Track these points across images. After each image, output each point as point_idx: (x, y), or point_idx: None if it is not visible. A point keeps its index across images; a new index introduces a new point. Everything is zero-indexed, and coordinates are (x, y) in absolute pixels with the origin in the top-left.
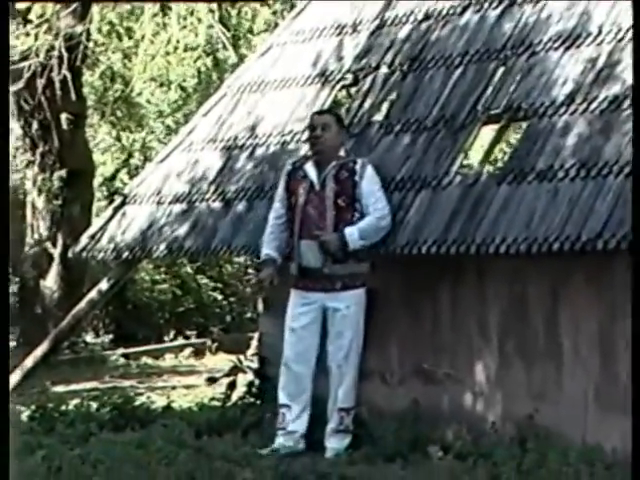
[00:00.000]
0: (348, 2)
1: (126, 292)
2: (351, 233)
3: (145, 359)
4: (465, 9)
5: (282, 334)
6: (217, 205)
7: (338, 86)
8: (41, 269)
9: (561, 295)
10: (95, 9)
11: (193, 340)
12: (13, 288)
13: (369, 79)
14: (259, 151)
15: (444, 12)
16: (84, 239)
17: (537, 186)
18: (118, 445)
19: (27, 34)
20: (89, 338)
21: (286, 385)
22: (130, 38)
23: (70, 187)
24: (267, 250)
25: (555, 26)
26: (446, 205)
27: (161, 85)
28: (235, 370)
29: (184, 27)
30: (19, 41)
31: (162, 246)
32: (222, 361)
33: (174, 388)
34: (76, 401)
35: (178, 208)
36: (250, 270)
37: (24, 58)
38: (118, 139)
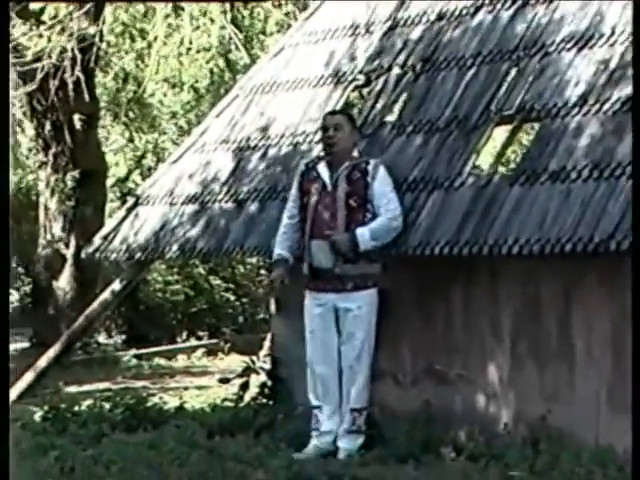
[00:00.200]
0: (361, 3)
1: (139, 293)
2: (362, 233)
3: (157, 360)
4: (478, 10)
5: (294, 335)
6: (229, 206)
7: (350, 87)
8: (54, 270)
9: (574, 296)
10: (108, 10)
11: (205, 341)
12: (26, 289)
13: (381, 80)
14: (271, 152)
15: (457, 13)
16: (97, 240)
17: (550, 187)
18: (130, 446)
19: (40, 35)
20: (102, 339)
21: (314, 387)
22: (143, 39)
23: (83, 188)
24: (279, 250)
25: (568, 27)
26: (458, 206)
27: (174, 86)
28: (248, 371)
29: (197, 28)
30: (32, 42)
31: (175, 247)
32: (235, 362)
33: (186, 389)
34: (89, 402)
35: (191, 209)
36: (263, 271)
37: (37, 59)
38: (131, 140)
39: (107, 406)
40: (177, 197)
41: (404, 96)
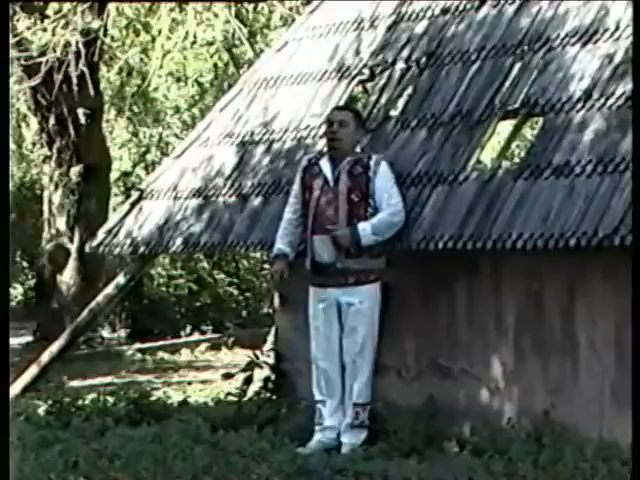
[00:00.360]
0: None
1: (142, 287)
2: (364, 228)
3: (161, 354)
4: (482, 4)
5: (298, 330)
6: (233, 200)
7: (355, 81)
8: (58, 264)
9: (577, 291)
10: (112, 4)
11: (209, 335)
12: (30, 283)
13: (385, 74)
14: (275, 146)
15: (461, 7)
16: (101, 234)
17: (554, 182)
18: (134, 440)
19: (44, 29)
20: (106, 333)
21: (318, 382)
22: (147, 33)
23: (87, 182)
24: (279, 245)
25: (572, 21)
26: (462, 201)
27: (178, 80)
28: (251, 365)
29: (201, 22)
30: (36, 36)
31: (178, 241)
32: (238, 356)
33: (190, 383)
34: (92, 396)
35: (194, 203)
36: (266, 265)
37: (41, 53)
38: (135, 134)
39: (111, 400)
40: (181, 191)
41: (408, 90)
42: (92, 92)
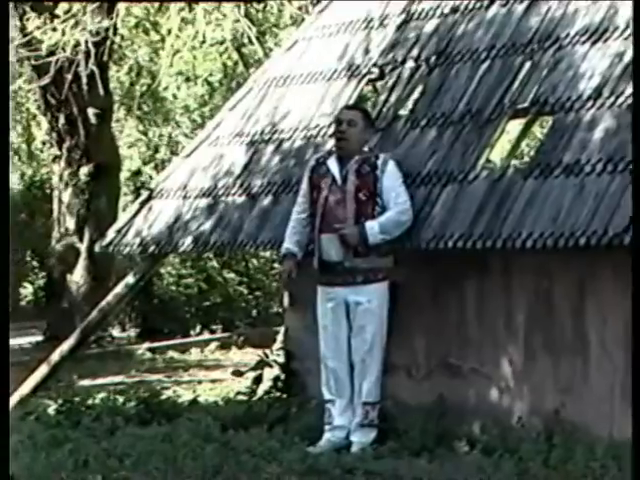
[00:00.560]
0: None
1: (152, 286)
2: (371, 227)
3: (171, 353)
4: (491, 3)
5: (308, 329)
6: (243, 199)
7: (364, 80)
8: (68, 263)
9: (588, 290)
10: (121, 4)
11: (219, 334)
12: (40, 282)
13: (395, 73)
14: (285, 145)
15: (470, 6)
16: (111, 233)
17: (564, 181)
18: (144, 439)
19: (54, 29)
20: (116, 332)
21: (327, 381)
22: (157, 33)
23: (97, 181)
24: (287, 244)
25: (582, 20)
26: (472, 200)
27: (187, 80)
28: (261, 364)
29: (210, 22)
30: (46, 36)
31: (188, 240)
32: (248, 355)
33: (200, 382)
34: (102, 395)
35: (204, 202)
36: (276, 264)
37: (51, 53)
38: (144, 134)
39: (121, 399)
40: (191, 191)
41: (418, 90)
42: (102, 91)
